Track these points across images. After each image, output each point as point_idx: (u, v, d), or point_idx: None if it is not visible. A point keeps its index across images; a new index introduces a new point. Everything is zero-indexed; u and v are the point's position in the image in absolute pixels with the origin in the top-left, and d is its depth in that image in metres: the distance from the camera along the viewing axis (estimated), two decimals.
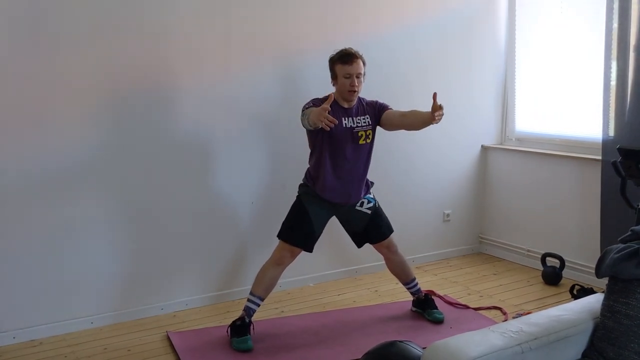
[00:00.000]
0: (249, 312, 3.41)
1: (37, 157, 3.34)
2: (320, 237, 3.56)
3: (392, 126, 3.48)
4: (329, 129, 3.10)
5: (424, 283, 4.28)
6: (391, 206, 4.56)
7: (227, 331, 3.40)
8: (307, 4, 4.03)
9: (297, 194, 3.55)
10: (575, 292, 3.94)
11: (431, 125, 4.58)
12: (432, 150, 4.70)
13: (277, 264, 3.47)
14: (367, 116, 3.46)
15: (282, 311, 3.85)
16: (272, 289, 3.50)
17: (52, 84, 3.32)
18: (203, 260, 3.92)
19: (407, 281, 3.78)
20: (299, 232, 3.45)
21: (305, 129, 3.40)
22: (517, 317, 2.82)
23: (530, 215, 4.70)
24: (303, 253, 3.52)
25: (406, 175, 4.62)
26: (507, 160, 4.88)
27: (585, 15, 4.36)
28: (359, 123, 3.42)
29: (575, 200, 4.37)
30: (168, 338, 3.46)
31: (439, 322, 3.65)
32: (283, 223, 3.51)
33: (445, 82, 4.65)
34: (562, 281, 4.29)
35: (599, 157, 4.04)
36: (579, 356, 2.09)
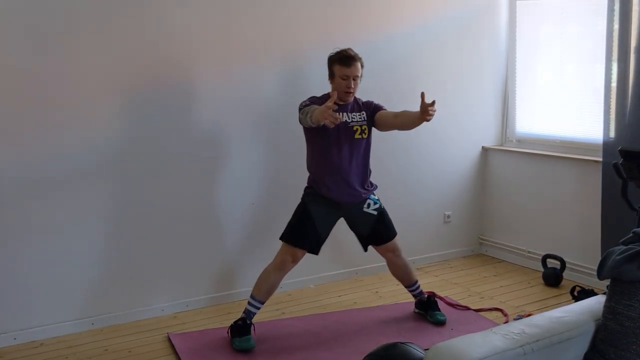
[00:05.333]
0: (249, 314, 3.40)
1: (37, 157, 3.34)
2: None
3: (385, 126, 3.50)
4: (333, 126, 3.12)
5: (425, 284, 4.28)
6: (392, 207, 4.55)
7: (227, 332, 3.40)
8: (309, 5, 4.03)
9: (301, 196, 3.54)
10: (575, 293, 3.93)
11: (432, 126, 4.61)
12: (432, 152, 4.70)
13: (279, 269, 3.44)
14: (363, 112, 3.48)
15: (283, 312, 3.85)
16: (273, 292, 3.49)
17: (51, 84, 3.33)
18: (204, 261, 3.92)
19: (410, 284, 3.78)
20: (301, 233, 3.44)
21: (302, 127, 3.40)
22: (518, 319, 2.82)
23: (531, 217, 4.70)
24: (306, 256, 3.51)
25: (407, 176, 4.62)
26: (507, 161, 4.88)
27: (586, 17, 4.36)
28: (353, 118, 3.44)
29: (575, 202, 4.37)
30: (169, 339, 3.46)
31: (441, 323, 3.65)
32: (286, 226, 3.50)
33: (446, 84, 4.65)
34: (563, 283, 4.29)
35: (600, 159, 4.04)
36: (581, 358, 2.08)
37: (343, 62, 3.36)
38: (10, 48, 3.21)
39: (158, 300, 3.79)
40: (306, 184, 3.55)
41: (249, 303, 3.43)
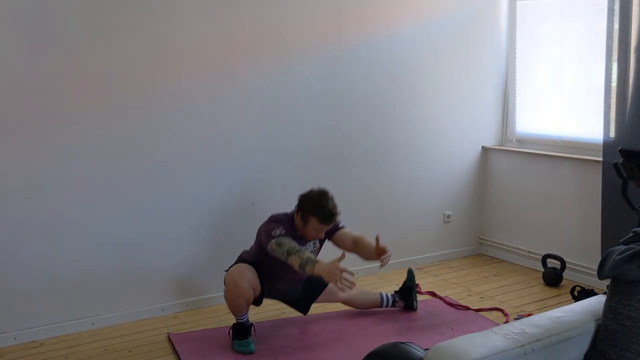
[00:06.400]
0: (240, 322, 3.33)
1: (37, 158, 3.34)
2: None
3: (343, 249, 3.40)
4: (344, 291, 2.99)
5: (425, 284, 4.29)
6: (392, 207, 4.58)
7: (228, 333, 3.40)
8: (310, 5, 4.03)
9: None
10: (576, 293, 3.94)
11: (432, 126, 4.62)
12: (432, 151, 4.70)
13: (237, 295, 3.24)
14: (317, 241, 3.43)
15: (283, 312, 3.85)
16: (249, 305, 3.35)
17: (49, 85, 3.33)
18: (204, 261, 3.92)
19: (380, 301, 3.80)
20: (247, 261, 3.34)
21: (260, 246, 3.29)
22: (518, 319, 2.82)
23: (531, 217, 4.70)
24: None
25: (407, 176, 4.62)
26: (507, 161, 4.88)
27: (586, 17, 4.36)
28: (309, 247, 3.37)
29: (576, 202, 4.37)
30: (169, 339, 3.46)
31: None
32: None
33: (446, 83, 4.66)
34: (563, 282, 4.30)
35: (600, 159, 4.04)
36: (581, 358, 2.08)
37: (324, 221, 3.24)
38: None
39: (159, 300, 3.79)
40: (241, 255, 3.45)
41: (236, 318, 3.34)
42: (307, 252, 3.11)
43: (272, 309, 3.83)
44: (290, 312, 3.84)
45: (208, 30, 3.71)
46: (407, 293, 3.85)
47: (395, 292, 3.89)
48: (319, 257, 3.25)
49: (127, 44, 3.49)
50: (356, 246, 3.41)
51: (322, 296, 3.63)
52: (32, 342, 3.40)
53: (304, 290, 3.58)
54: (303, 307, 3.63)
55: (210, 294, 3.95)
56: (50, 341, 3.42)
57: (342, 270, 2.88)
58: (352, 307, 3.80)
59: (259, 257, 3.35)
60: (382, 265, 3.27)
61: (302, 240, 3.33)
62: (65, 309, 3.51)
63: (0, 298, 3.32)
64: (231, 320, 3.46)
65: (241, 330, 3.33)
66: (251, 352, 3.28)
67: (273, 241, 3.16)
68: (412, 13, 4.45)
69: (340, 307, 3.92)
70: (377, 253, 3.27)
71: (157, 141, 3.66)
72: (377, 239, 3.26)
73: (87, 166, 3.48)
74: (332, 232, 3.44)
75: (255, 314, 3.64)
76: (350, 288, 2.94)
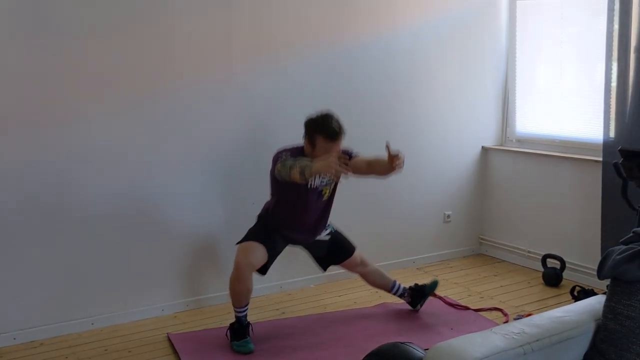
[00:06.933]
0: (239, 319, 3.37)
1: (34, 154, 3.35)
2: None
3: (358, 174, 3.42)
4: (337, 179, 3.13)
5: None
6: (392, 207, 4.58)
7: (226, 334, 3.39)
8: (308, 5, 4.03)
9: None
10: (575, 293, 3.94)
11: (432, 126, 4.62)
12: (432, 151, 4.69)
13: (237, 274, 3.31)
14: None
15: (283, 312, 3.85)
16: (249, 295, 3.38)
17: (47, 85, 3.33)
18: (203, 261, 3.92)
19: (390, 287, 3.80)
20: (258, 235, 3.39)
21: (272, 174, 3.35)
22: (518, 319, 2.82)
23: (531, 217, 4.70)
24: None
25: (407, 176, 4.58)
26: (507, 161, 4.88)
27: (586, 17, 4.36)
28: (323, 181, 3.39)
29: (575, 202, 4.37)
30: (169, 339, 3.46)
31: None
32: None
33: (446, 83, 4.66)
34: (563, 282, 4.29)
35: (600, 159, 4.04)
36: (581, 358, 2.08)
37: (330, 137, 3.26)
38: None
39: (158, 300, 3.79)
40: (259, 213, 3.50)
41: (235, 312, 3.38)
42: (304, 159, 3.14)
43: (272, 309, 3.83)
44: (290, 312, 3.84)
45: (207, 30, 3.71)
46: (419, 296, 3.82)
47: (410, 287, 3.86)
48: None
49: (126, 44, 3.49)
50: (371, 166, 3.41)
51: (344, 263, 3.67)
52: (31, 342, 3.40)
53: (329, 251, 3.59)
54: (323, 265, 3.68)
55: (210, 294, 3.96)
56: (50, 341, 3.42)
57: (336, 162, 2.99)
58: (365, 281, 3.79)
59: (273, 201, 3.42)
60: (397, 168, 3.24)
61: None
62: (65, 309, 3.51)
63: (0, 298, 3.32)
64: (230, 319, 3.46)
65: (239, 330, 3.34)
66: (250, 352, 3.27)
67: (278, 164, 3.20)
68: (411, 13, 4.45)
69: (339, 307, 3.93)
70: (389, 161, 3.23)
71: (156, 142, 3.66)
72: (387, 146, 3.22)
73: (86, 164, 3.48)
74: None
75: (255, 314, 3.64)
76: (346, 173, 3.06)
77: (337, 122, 3.33)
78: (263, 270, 3.43)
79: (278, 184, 3.35)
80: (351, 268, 3.72)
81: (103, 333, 3.54)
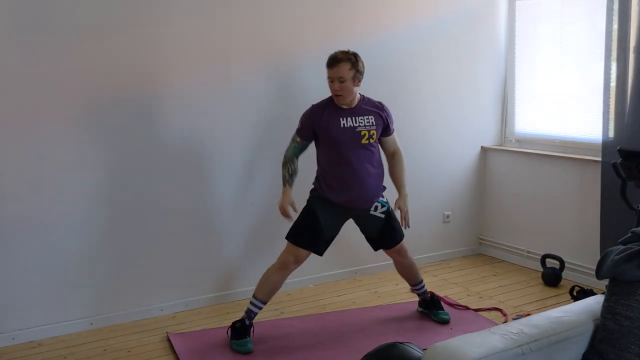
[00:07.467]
0: (250, 314, 3.39)
1: (34, 157, 3.35)
2: None
3: (384, 152, 3.57)
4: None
5: (425, 284, 4.28)
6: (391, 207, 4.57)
7: (227, 332, 3.40)
8: (307, 5, 4.03)
9: (307, 198, 3.49)
10: (575, 293, 3.93)
11: (431, 127, 4.62)
12: (432, 151, 4.69)
13: (281, 268, 3.41)
14: (372, 117, 3.39)
15: (282, 312, 3.85)
16: (275, 292, 3.47)
17: (44, 86, 3.33)
18: (203, 261, 3.92)
19: (415, 283, 3.77)
20: (306, 234, 3.40)
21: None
22: (517, 319, 2.82)
23: (530, 217, 4.70)
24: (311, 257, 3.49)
25: (406, 176, 4.61)
26: (506, 161, 4.88)
27: (585, 17, 4.36)
28: (361, 122, 3.36)
29: (575, 202, 4.37)
30: (168, 339, 3.46)
31: (444, 322, 3.65)
32: (292, 226, 3.45)
33: (445, 84, 4.66)
34: (562, 282, 4.29)
35: (599, 159, 4.03)
36: (580, 358, 2.08)
37: (328, 63, 3.32)
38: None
39: (157, 300, 3.79)
40: (312, 186, 3.50)
41: (251, 303, 3.41)
42: (287, 172, 3.41)
43: (271, 309, 3.82)
44: (289, 312, 3.84)
45: (206, 31, 3.71)
46: (435, 307, 3.75)
47: (431, 295, 3.82)
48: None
49: (127, 43, 3.49)
50: (391, 159, 3.59)
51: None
52: (30, 342, 3.40)
53: (381, 233, 3.54)
54: (375, 246, 3.62)
55: (210, 294, 3.96)
56: (49, 341, 3.42)
57: (283, 213, 3.39)
58: (396, 269, 3.76)
59: (319, 166, 3.47)
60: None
61: (340, 111, 3.36)
62: (64, 309, 3.51)
63: None
64: (230, 319, 3.47)
65: (241, 330, 3.34)
66: (249, 352, 3.27)
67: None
68: (410, 13, 4.45)
69: (339, 307, 3.93)
70: (401, 213, 3.56)
71: (155, 141, 3.66)
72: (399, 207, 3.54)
73: (86, 166, 3.48)
74: (385, 132, 3.48)
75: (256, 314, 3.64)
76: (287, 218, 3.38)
77: (344, 51, 3.31)
78: (320, 251, 3.49)
79: (320, 151, 3.44)
80: (390, 253, 3.66)
81: (102, 333, 3.54)
